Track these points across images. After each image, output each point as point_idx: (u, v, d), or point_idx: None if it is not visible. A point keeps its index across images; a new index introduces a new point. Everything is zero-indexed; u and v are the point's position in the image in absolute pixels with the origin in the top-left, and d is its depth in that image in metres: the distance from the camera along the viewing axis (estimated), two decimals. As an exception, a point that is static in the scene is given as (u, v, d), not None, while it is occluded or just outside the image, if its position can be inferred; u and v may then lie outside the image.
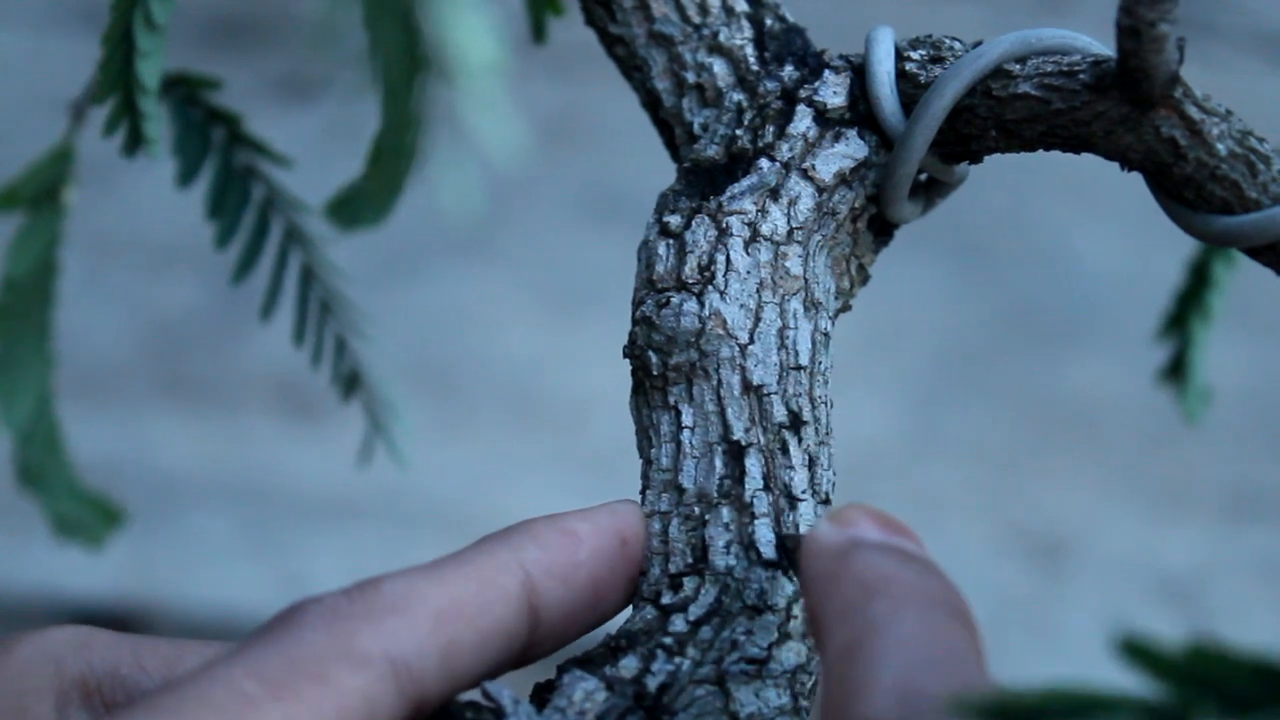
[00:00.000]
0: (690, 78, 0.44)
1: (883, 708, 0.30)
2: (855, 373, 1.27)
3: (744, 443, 0.40)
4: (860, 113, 0.43)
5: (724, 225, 0.41)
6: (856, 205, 0.43)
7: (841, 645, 0.32)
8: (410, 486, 1.15)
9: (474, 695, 0.37)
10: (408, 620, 0.34)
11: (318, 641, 0.33)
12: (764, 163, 0.42)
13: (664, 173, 0.44)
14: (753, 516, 0.39)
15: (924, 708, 0.29)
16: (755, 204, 0.42)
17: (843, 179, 0.42)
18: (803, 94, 0.43)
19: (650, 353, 0.41)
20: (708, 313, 0.41)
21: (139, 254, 1.36)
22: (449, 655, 0.35)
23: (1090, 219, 1.43)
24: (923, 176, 0.44)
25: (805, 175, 0.42)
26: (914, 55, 0.43)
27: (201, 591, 1.14)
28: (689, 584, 0.39)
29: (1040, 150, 0.42)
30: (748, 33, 0.44)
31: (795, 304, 0.41)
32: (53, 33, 1.53)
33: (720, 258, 0.41)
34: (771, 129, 0.42)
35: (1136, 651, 0.26)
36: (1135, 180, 0.42)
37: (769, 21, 0.44)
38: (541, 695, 0.38)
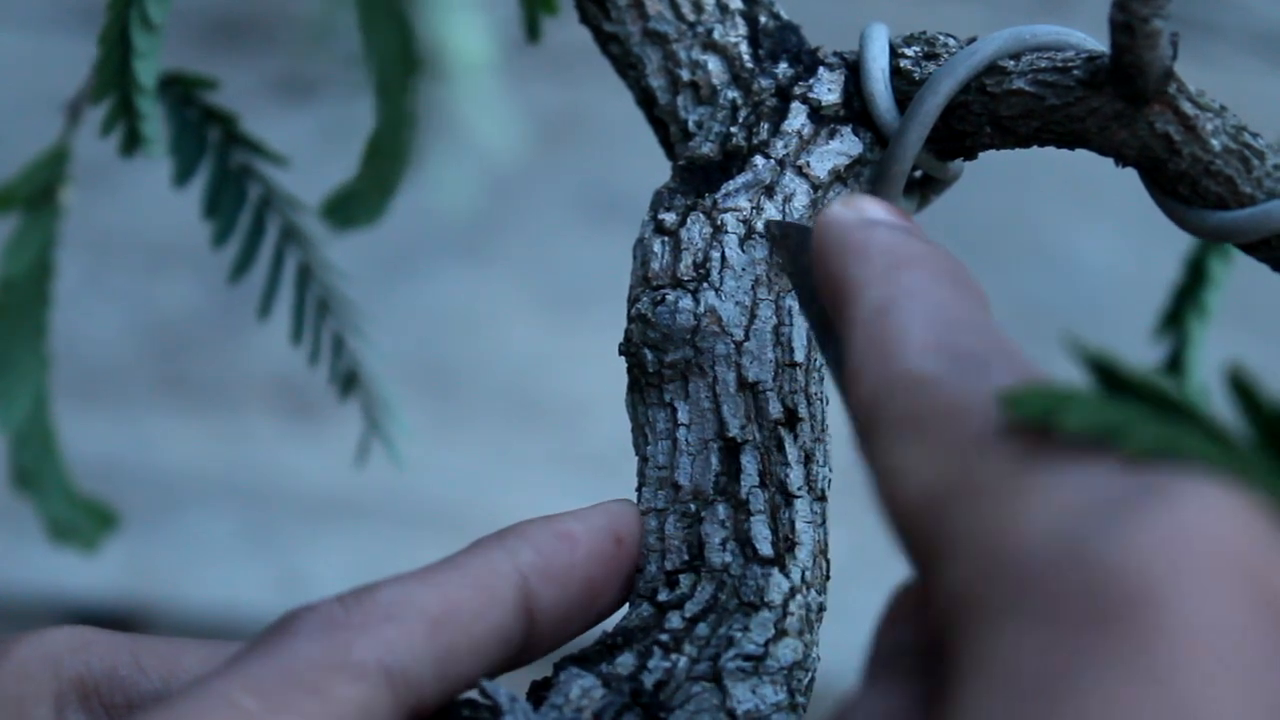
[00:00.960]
0: (685, 75, 0.44)
1: (921, 360, 0.31)
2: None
3: (739, 439, 0.40)
4: (855, 110, 0.43)
5: (719, 222, 0.41)
6: (851, 202, 0.43)
7: (875, 304, 0.33)
8: (410, 486, 1.15)
9: (471, 694, 0.37)
10: (403, 628, 0.34)
11: (313, 652, 0.33)
12: (759, 160, 0.42)
13: (663, 172, 0.44)
14: (748, 513, 0.39)
15: (960, 360, 0.31)
16: (750, 201, 0.42)
17: (837, 176, 0.42)
18: (797, 91, 0.43)
19: (646, 350, 0.41)
20: (703, 310, 0.41)
21: (138, 254, 1.36)
22: (445, 661, 0.35)
23: (1090, 218, 1.43)
24: (918, 173, 0.44)
25: (800, 172, 0.42)
26: (908, 52, 0.43)
27: (201, 591, 1.14)
28: (685, 581, 0.39)
29: (1035, 146, 0.42)
30: (742, 30, 0.44)
31: (790, 301, 0.41)
32: (53, 33, 1.54)
33: (715, 255, 0.41)
34: (766, 126, 0.42)
35: (1241, 389, 0.27)
36: (1133, 179, 0.42)
37: (763, 19, 0.44)
38: (538, 693, 0.38)
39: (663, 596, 0.39)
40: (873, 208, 0.36)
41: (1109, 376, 0.29)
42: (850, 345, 0.33)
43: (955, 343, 0.31)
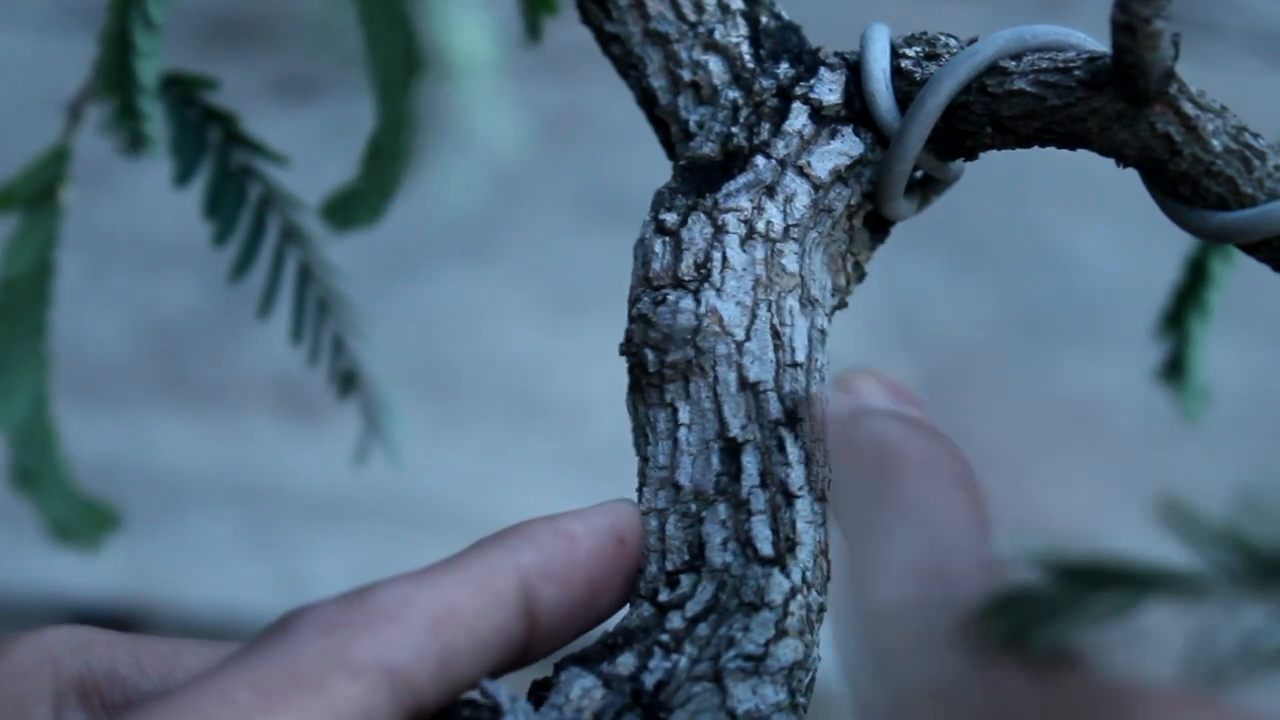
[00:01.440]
0: (686, 75, 0.44)
1: (900, 590, 0.30)
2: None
3: (740, 440, 0.40)
4: (856, 110, 0.43)
5: (720, 223, 0.41)
6: (852, 202, 0.43)
7: (855, 521, 0.32)
8: (410, 486, 1.15)
9: (472, 694, 0.37)
10: (404, 628, 0.34)
11: (313, 651, 0.33)
12: (760, 160, 0.42)
13: (663, 172, 0.44)
14: (749, 513, 0.39)
15: (940, 587, 0.30)
16: (751, 201, 0.42)
17: (838, 176, 0.42)
18: (798, 91, 0.43)
19: (647, 350, 0.41)
20: (704, 310, 0.41)
21: (138, 254, 1.36)
22: (446, 661, 0.35)
23: (1091, 218, 1.43)
24: (919, 173, 0.44)
25: (801, 172, 0.42)
26: (909, 52, 0.43)
27: (201, 591, 1.14)
28: (686, 581, 0.39)
29: (1036, 147, 0.42)
30: (743, 30, 0.44)
31: (791, 301, 0.41)
32: (53, 33, 1.54)
33: (716, 255, 0.41)
34: (767, 126, 0.42)
35: (1175, 514, 0.26)
36: (1135, 179, 0.42)
37: (764, 19, 0.44)
38: (539, 693, 0.38)
39: (663, 596, 0.39)
40: (870, 389, 0.34)
41: (1066, 571, 0.27)
42: (844, 564, 0.32)
43: (934, 564, 0.30)
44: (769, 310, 0.41)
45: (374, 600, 0.34)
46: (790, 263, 0.41)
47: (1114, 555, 0.27)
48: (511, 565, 0.37)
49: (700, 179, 0.42)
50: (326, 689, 0.32)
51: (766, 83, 0.43)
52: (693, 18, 0.44)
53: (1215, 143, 0.39)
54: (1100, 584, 0.26)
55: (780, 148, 0.42)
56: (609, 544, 0.39)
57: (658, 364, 0.41)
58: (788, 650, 0.38)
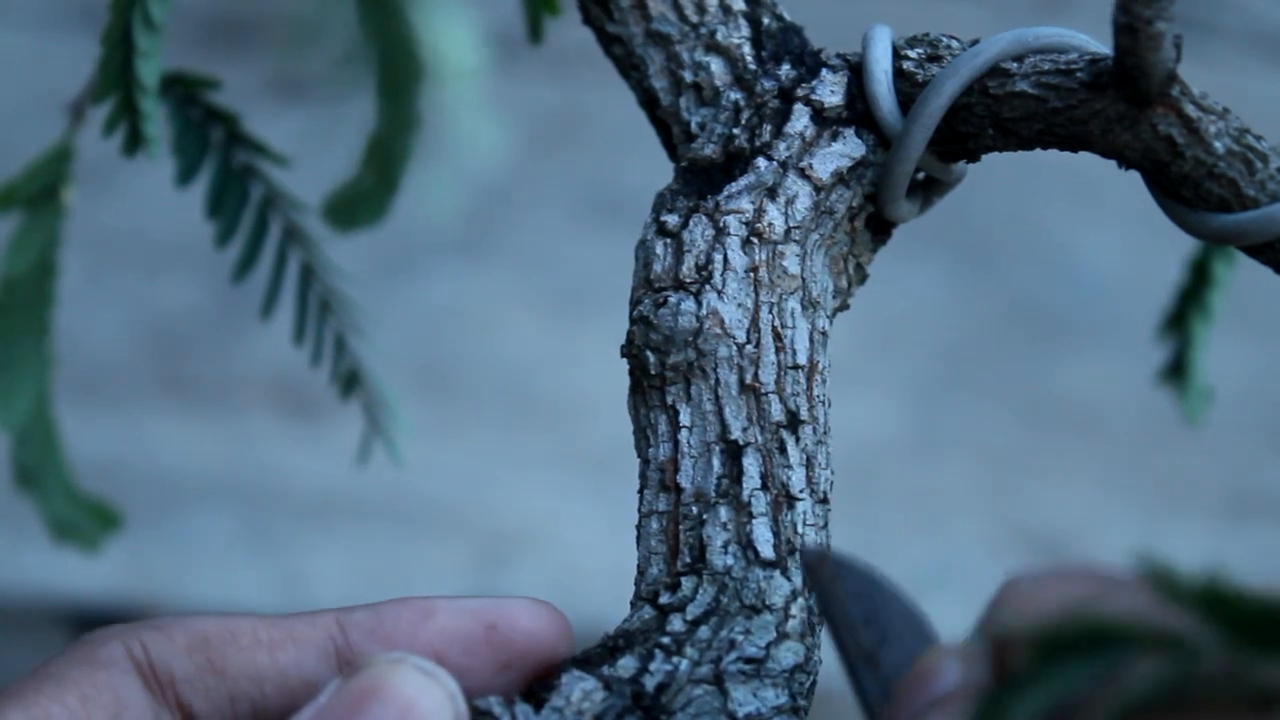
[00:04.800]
0: (687, 76, 0.44)
1: None
2: (856, 372, 1.27)
3: (741, 442, 0.40)
4: (858, 112, 0.43)
5: (721, 224, 0.41)
6: (854, 204, 0.43)
7: None
8: (410, 486, 1.15)
9: (478, 703, 0.37)
10: (163, 635, 0.37)
11: (71, 654, 0.37)
12: (761, 162, 0.42)
13: (664, 173, 0.44)
14: (750, 516, 0.39)
15: None
16: (753, 203, 0.42)
17: (840, 178, 0.42)
18: (800, 93, 0.43)
19: (648, 352, 0.41)
20: (705, 312, 0.41)
21: (139, 254, 1.36)
22: (214, 671, 0.37)
23: (1091, 219, 1.44)
24: (920, 175, 0.44)
25: (803, 174, 0.42)
26: (911, 54, 0.43)
27: (201, 591, 1.14)
28: (687, 584, 0.39)
29: (1038, 149, 0.42)
30: (745, 32, 0.44)
31: (793, 303, 0.41)
32: (53, 33, 1.54)
33: (718, 257, 0.41)
34: (769, 128, 0.42)
35: (1157, 577, 0.26)
36: (1136, 180, 0.42)
37: (766, 20, 0.44)
38: (538, 695, 0.38)
39: (664, 599, 0.39)
40: (943, 675, 0.32)
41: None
42: None
43: None
44: (770, 312, 0.41)
45: (158, 620, 0.38)
46: (791, 264, 0.41)
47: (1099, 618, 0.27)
48: (330, 619, 0.38)
49: (702, 180, 0.42)
50: (75, 679, 0.36)
51: (768, 84, 0.43)
52: (695, 19, 0.44)
53: (1217, 145, 0.39)
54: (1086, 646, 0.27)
55: (782, 149, 0.42)
56: (474, 627, 0.39)
57: (659, 366, 0.41)
58: (789, 653, 0.38)
